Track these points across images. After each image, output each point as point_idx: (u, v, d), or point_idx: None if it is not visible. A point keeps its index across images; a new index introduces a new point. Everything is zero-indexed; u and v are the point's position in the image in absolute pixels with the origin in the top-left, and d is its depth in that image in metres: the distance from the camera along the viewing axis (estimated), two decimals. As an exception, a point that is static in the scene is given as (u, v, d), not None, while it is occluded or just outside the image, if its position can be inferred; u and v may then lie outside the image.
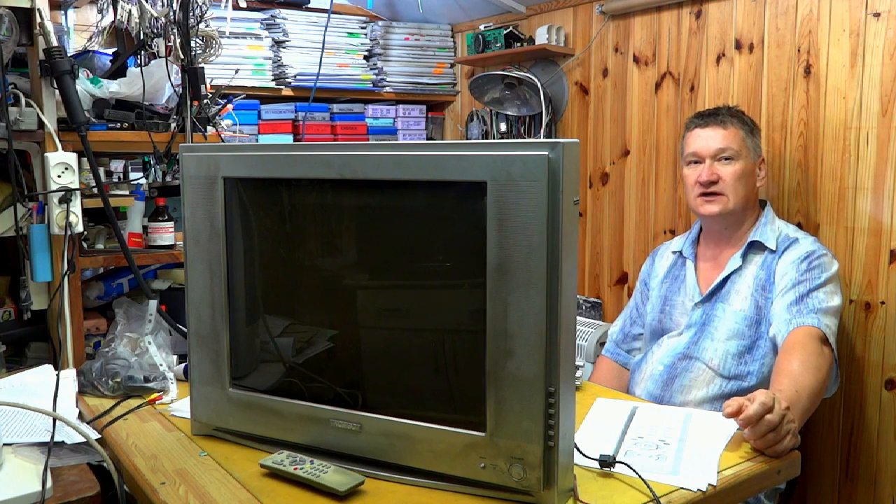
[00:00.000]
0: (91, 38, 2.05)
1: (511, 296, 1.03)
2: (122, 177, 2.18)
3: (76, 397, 1.53)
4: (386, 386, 1.23)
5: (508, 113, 2.88)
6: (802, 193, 2.06)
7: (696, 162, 1.86)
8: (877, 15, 1.87)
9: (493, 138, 2.98)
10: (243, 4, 2.71)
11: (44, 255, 1.71)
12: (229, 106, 2.02)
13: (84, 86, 1.80)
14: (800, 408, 1.42)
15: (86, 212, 1.78)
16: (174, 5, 1.82)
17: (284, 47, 2.82)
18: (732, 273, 1.82)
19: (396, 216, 1.19)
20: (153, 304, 1.66)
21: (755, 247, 1.83)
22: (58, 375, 1.45)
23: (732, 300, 1.79)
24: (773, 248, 1.79)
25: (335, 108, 3.02)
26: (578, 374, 1.58)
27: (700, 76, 2.31)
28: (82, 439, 1.27)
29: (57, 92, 1.71)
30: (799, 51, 2.05)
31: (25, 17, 1.68)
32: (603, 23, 2.60)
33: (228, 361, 1.30)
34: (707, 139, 1.84)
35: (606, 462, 1.17)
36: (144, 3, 1.79)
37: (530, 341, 1.02)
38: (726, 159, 1.82)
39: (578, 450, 1.16)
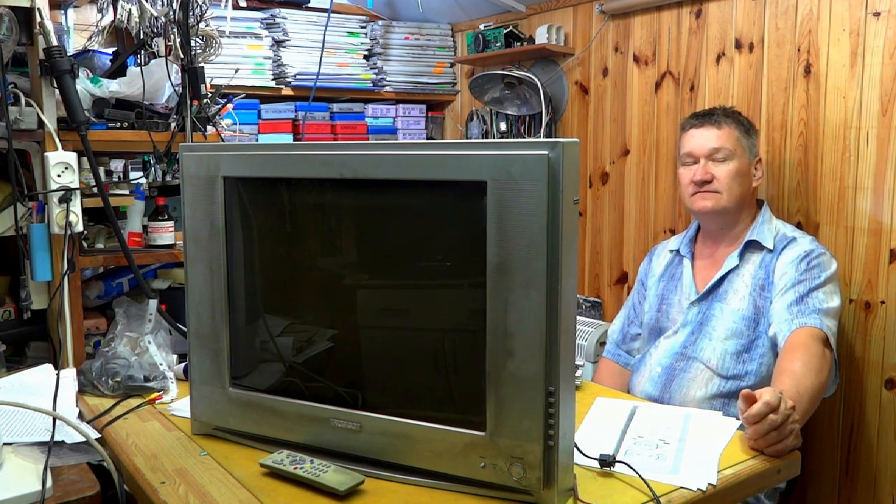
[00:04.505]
0: (91, 37, 2.05)
1: (511, 295, 1.03)
2: (122, 176, 2.18)
3: (76, 397, 1.53)
4: (386, 385, 1.23)
5: (508, 112, 2.88)
6: (802, 193, 2.06)
7: (691, 162, 1.87)
8: (877, 14, 1.87)
9: (493, 138, 2.98)
10: (243, 4, 2.71)
11: (44, 255, 1.71)
12: (229, 105, 2.02)
13: (84, 85, 1.80)
14: (801, 408, 1.42)
15: (86, 211, 1.78)
16: (174, 5, 1.82)
17: (284, 47, 2.82)
18: (730, 272, 1.82)
19: (396, 216, 1.19)
20: (153, 303, 1.66)
21: (752, 246, 1.83)
22: (58, 375, 1.45)
23: (730, 299, 1.79)
24: (771, 248, 1.79)
25: (335, 107, 3.02)
26: (578, 373, 1.58)
27: (700, 76, 2.31)
28: (82, 439, 1.26)
29: (57, 91, 1.71)
30: (799, 50, 2.05)
31: (25, 17, 1.68)
32: (603, 22, 2.60)
33: (228, 361, 1.30)
34: (701, 139, 1.85)
35: (606, 462, 1.17)
36: (144, 2, 1.79)
37: (530, 341, 1.02)
38: (720, 159, 1.83)
39: (578, 449, 1.16)
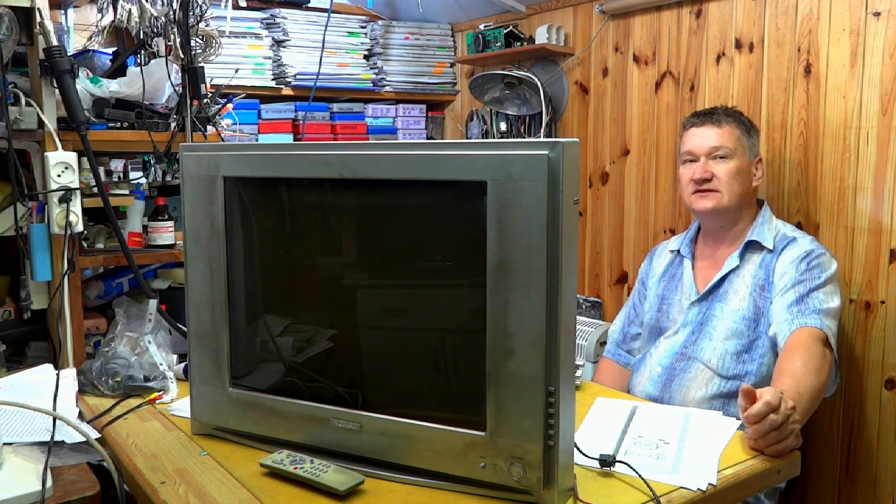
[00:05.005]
0: (91, 37, 2.05)
1: (511, 295, 1.03)
2: (122, 176, 2.18)
3: (76, 397, 1.53)
4: (386, 385, 1.23)
5: (508, 112, 2.88)
6: (802, 193, 2.06)
7: (691, 160, 1.88)
8: (877, 14, 1.87)
9: (493, 138, 2.98)
10: (243, 4, 2.71)
11: (44, 255, 1.71)
12: (229, 105, 2.02)
13: (84, 85, 1.80)
14: (801, 408, 1.42)
15: (86, 211, 1.78)
16: (174, 4, 1.82)
17: (284, 47, 2.82)
18: (730, 272, 1.82)
19: (396, 216, 1.19)
20: (153, 303, 1.66)
21: (753, 246, 1.83)
22: (58, 375, 1.45)
23: (730, 299, 1.79)
24: (771, 248, 1.80)
25: (335, 107, 3.02)
26: (578, 373, 1.58)
27: (700, 76, 2.31)
28: (82, 439, 1.27)
29: (57, 91, 1.71)
30: (799, 50, 2.05)
31: (25, 17, 1.68)
32: (603, 22, 2.60)
33: (228, 361, 1.30)
34: (702, 138, 1.85)
35: (606, 461, 1.17)
36: (144, 2, 1.79)
37: (530, 341, 1.02)
38: (720, 157, 1.83)
39: (578, 449, 1.16)
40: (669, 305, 1.93)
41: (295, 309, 1.33)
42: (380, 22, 3.06)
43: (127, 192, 1.96)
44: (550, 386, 1.02)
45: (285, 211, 1.29)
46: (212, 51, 1.91)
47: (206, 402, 1.33)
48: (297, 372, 1.28)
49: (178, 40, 1.83)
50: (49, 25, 1.67)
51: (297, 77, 2.84)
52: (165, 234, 1.93)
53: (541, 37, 2.70)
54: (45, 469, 1.16)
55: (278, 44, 2.82)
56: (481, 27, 2.89)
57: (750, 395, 1.24)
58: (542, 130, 2.74)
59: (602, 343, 2.38)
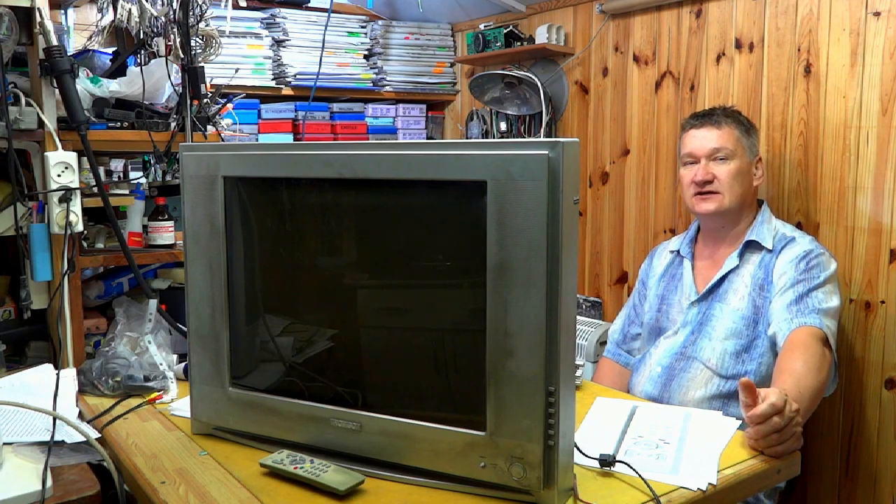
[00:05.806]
0: (91, 37, 2.05)
1: (511, 295, 1.03)
2: (122, 176, 2.18)
3: (76, 396, 1.53)
4: (386, 385, 1.23)
5: (508, 112, 2.88)
6: (802, 193, 2.06)
7: (691, 162, 1.88)
8: (877, 14, 1.87)
9: (493, 138, 2.98)
10: (243, 3, 2.71)
11: (44, 255, 1.71)
12: (229, 105, 2.02)
13: (84, 85, 1.80)
14: (802, 408, 1.41)
15: (86, 211, 1.78)
16: (174, 4, 1.81)
17: (284, 46, 2.83)
18: (729, 272, 1.82)
19: (396, 215, 1.19)
20: (153, 303, 1.66)
21: (752, 246, 1.83)
22: (58, 375, 1.45)
23: (730, 299, 1.79)
24: (770, 248, 1.80)
25: (335, 107, 3.02)
26: (578, 373, 1.58)
27: (700, 75, 2.31)
28: (82, 438, 1.27)
29: (57, 91, 1.70)
30: (799, 50, 2.05)
31: (25, 17, 1.68)
32: (603, 22, 2.60)
33: (228, 361, 1.30)
34: (702, 139, 1.85)
35: (606, 461, 1.17)
36: (144, 2, 1.79)
37: (530, 341, 1.02)
38: (721, 159, 1.83)
39: (578, 449, 1.16)
40: (669, 305, 1.93)
41: (295, 309, 1.33)
42: (380, 22, 3.06)
43: (127, 192, 1.96)
44: (550, 386, 1.02)
45: (285, 211, 1.29)
46: (212, 51, 1.91)
47: (206, 402, 1.33)
48: (297, 372, 1.28)
49: (178, 40, 1.83)
50: (49, 25, 1.67)
51: (297, 77, 2.84)
52: (165, 234, 1.93)
53: (541, 37, 2.70)
54: (45, 469, 1.16)
55: (278, 44, 2.82)
56: (481, 27, 2.89)
57: (750, 388, 1.22)
58: (542, 130, 2.74)
59: (602, 343, 2.38)
